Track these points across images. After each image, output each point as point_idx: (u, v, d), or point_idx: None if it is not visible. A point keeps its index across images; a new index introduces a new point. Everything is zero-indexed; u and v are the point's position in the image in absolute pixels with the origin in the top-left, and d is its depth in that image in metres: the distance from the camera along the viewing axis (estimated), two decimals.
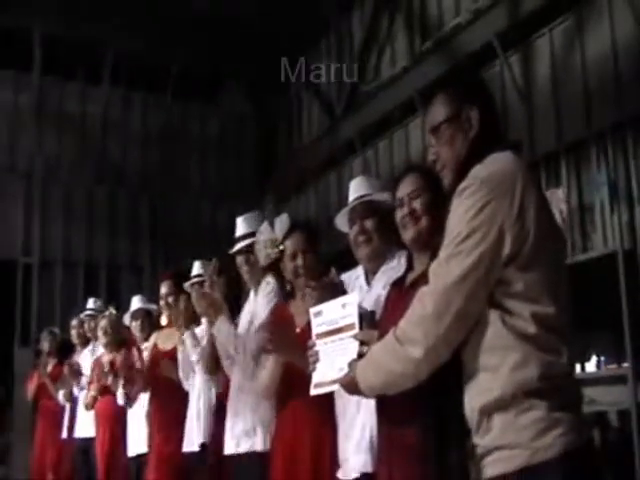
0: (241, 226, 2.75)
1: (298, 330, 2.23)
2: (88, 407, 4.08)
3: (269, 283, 2.55)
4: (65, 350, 4.90)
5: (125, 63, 8.27)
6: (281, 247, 2.36)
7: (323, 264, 2.27)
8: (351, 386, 1.37)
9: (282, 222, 2.42)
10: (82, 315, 4.73)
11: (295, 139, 8.98)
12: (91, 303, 4.81)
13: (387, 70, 7.35)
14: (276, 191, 9.10)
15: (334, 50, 8.18)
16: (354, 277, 2.12)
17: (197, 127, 8.99)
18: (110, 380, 3.74)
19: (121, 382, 3.68)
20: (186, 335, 3.04)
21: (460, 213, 1.20)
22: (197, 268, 3.25)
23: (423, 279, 1.35)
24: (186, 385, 3.15)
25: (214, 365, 2.83)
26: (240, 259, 2.69)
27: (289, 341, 2.09)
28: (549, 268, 1.21)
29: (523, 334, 1.16)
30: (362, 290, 2.01)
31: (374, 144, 7.49)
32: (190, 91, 8.73)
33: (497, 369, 1.17)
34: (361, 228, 2.05)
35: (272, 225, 2.46)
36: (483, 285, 1.18)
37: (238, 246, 2.69)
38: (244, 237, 2.69)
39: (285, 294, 2.43)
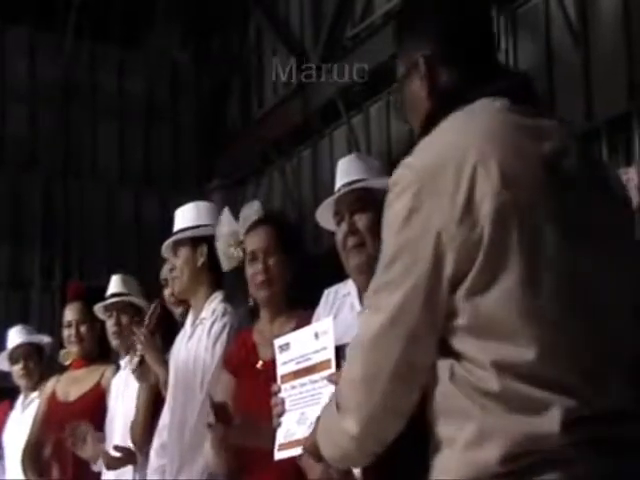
0: (181, 218, 2.79)
1: (259, 365, 2.31)
2: None
3: (217, 311, 2.62)
4: None
5: None
6: (243, 245, 2.44)
7: (293, 277, 2.37)
8: (315, 453, 1.40)
9: (250, 211, 2.47)
10: None
11: (253, 101, 8.98)
12: None
13: (381, 4, 7.22)
14: (226, 174, 9.01)
15: None
16: (342, 294, 2.17)
17: (112, 82, 8.89)
18: None
19: None
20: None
21: (387, 224, 1.24)
22: (116, 285, 3.32)
23: None
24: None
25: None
26: (178, 262, 2.72)
27: (245, 428, 2.15)
28: (532, 282, 1.17)
29: (482, 390, 1.16)
30: (353, 311, 2.07)
31: (363, 107, 7.48)
32: (101, 30, 8.54)
33: (452, 443, 1.19)
34: (351, 227, 2.07)
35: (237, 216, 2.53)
36: (425, 325, 1.19)
37: (174, 239, 2.73)
38: (182, 232, 2.75)
39: (248, 311, 2.53)
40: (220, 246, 2.52)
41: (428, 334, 1.20)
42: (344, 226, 2.07)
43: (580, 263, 1.20)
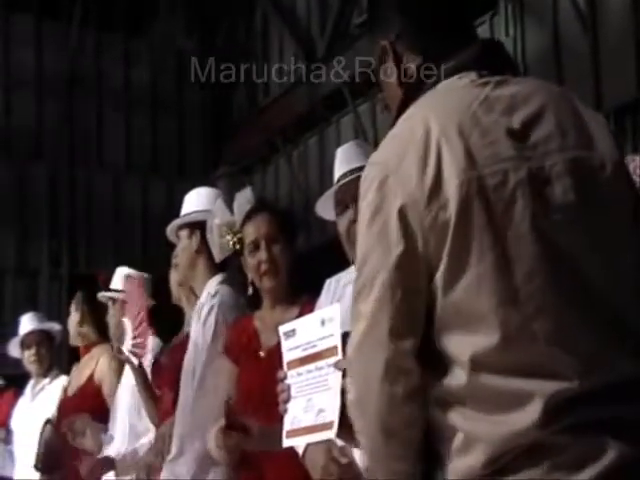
0: (185, 204, 2.78)
1: (262, 354, 2.31)
2: None
3: (211, 294, 2.60)
4: None
5: None
6: (240, 235, 2.41)
7: (296, 263, 2.36)
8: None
9: (242, 199, 2.45)
10: None
11: (260, 90, 8.98)
12: None
13: None
14: (233, 162, 9.00)
15: None
16: (343, 283, 2.13)
17: (117, 71, 8.88)
18: None
19: None
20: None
21: (358, 226, 1.22)
22: (120, 280, 3.33)
23: None
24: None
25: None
26: (180, 246, 2.74)
27: (261, 436, 2.12)
28: (505, 264, 1.11)
29: (460, 397, 1.12)
30: None
31: (370, 96, 7.41)
32: (107, 19, 8.56)
33: (440, 457, 1.17)
34: (357, 216, 1.91)
35: (230, 204, 2.52)
36: (405, 323, 1.14)
37: (177, 222, 2.75)
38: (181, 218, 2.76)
39: (248, 300, 2.51)
40: (213, 236, 2.49)
41: (409, 333, 1.14)
42: (350, 214, 2.03)
43: (565, 242, 1.12)
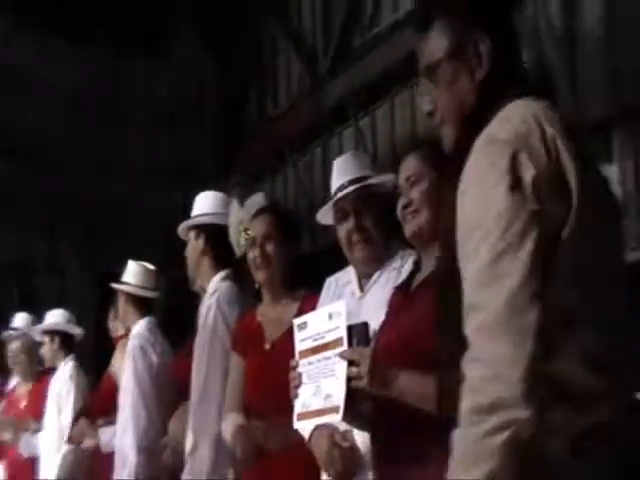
0: (197, 206, 2.80)
1: (267, 347, 2.29)
2: None
3: (210, 292, 2.57)
4: None
5: None
6: (250, 232, 2.41)
7: (293, 261, 2.35)
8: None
9: (253, 202, 2.48)
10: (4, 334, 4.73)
11: (269, 103, 9.02)
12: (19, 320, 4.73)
13: (387, 16, 7.30)
14: (245, 170, 9.06)
15: None
16: (343, 282, 2.13)
17: (140, 89, 8.93)
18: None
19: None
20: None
21: (485, 196, 1.11)
22: (130, 273, 3.37)
23: (432, 280, 1.39)
24: None
25: None
26: (189, 246, 2.72)
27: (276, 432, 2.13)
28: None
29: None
30: (354, 297, 2.04)
31: (370, 109, 7.49)
32: (130, 41, 8.61)
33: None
34: (357, 224, 2.03)
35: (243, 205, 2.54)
36: (541, 281, 1.08)
37: (187, 224, 2.73)
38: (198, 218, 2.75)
39: (255, 295, 2.48)
40: (231, 234, 2.52)
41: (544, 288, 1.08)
42: (350, 223, 2.02)
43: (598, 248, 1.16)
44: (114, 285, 3.39)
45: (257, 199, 2.51)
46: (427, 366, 1.42)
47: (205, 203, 2.77)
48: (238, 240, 2.49)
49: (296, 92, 8.43)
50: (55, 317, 4.18)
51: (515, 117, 1.14)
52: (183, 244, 2.87)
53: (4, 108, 8.04)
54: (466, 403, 1.04)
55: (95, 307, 4.05)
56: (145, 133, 8.92)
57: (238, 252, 2.52)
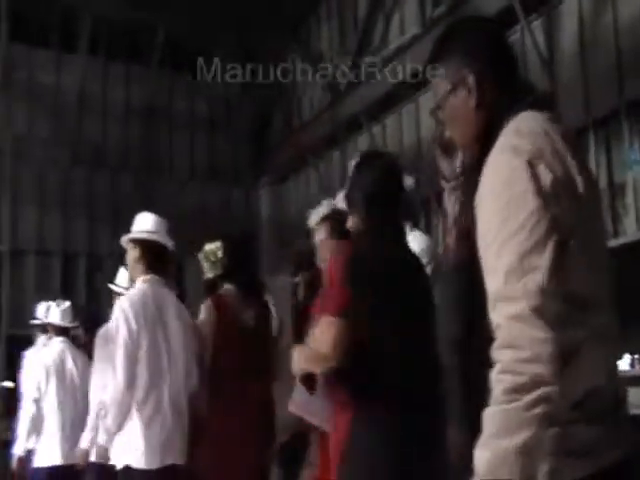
0: (138, 224, 2.93)
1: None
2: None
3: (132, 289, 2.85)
4: None
5: (104, 29, 8.28)
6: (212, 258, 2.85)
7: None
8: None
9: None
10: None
11: (294, 115, 9.07)
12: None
13: (395, 38, 7.40)
14: (272, 172, 9.17)
15: (336, 16, 8.26)
16: None
17: (184, 103, 9.07)
18: None
19: None
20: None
21: (511, 198, 1.08)
22: (123, 278, 3.42)
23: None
24: None
25: None
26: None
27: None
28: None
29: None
30: None
31: (381, 119, 7.55)
32: (179, 64, 8.76)
33: None
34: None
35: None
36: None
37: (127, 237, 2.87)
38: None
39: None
40: (200, 259, 2.93)
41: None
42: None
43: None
44: (113, 287, 3.50)
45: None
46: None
47: (144, 223, 2.92)
48: (204, 264, 2.90)
49: (317, 106, 8.54)
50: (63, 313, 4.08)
51: (525, 129, 1.14)
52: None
53: (89, 126, 8.26)
54: (503, 384, 1.02)
55: None
56: (188, 140, 9.01)
57: (207, 274, 2.88)
